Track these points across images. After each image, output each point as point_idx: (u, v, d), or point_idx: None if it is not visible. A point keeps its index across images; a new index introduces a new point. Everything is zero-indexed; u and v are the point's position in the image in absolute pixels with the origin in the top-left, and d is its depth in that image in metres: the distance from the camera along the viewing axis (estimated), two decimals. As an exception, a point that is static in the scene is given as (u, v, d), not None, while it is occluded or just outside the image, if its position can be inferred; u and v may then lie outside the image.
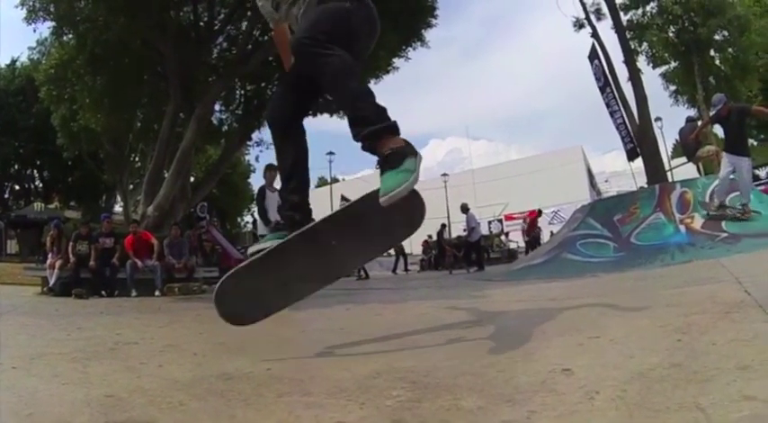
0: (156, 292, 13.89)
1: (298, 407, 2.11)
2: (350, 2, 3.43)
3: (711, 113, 12.64)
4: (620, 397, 1.88)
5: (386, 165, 2.95)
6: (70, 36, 21.73)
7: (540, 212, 32.67)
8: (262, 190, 11.50)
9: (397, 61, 21.63)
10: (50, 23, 21.20)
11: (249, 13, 22.06)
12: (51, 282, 13.90)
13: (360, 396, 2.20)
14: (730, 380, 1.92)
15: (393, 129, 3.04)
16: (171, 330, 5.81)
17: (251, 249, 3.50)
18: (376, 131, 3.01)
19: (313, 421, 1.92)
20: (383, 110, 3.08)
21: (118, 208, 44.34)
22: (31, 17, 20.17)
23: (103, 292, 13.66)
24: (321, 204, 50.77)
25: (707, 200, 12.19)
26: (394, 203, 2.88)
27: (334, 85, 3.27)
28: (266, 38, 22.18)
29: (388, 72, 22.32)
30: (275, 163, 12.08)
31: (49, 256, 14.82)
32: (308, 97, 3.83)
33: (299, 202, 3.57)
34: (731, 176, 11.58)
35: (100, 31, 19.46)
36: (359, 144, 3.13)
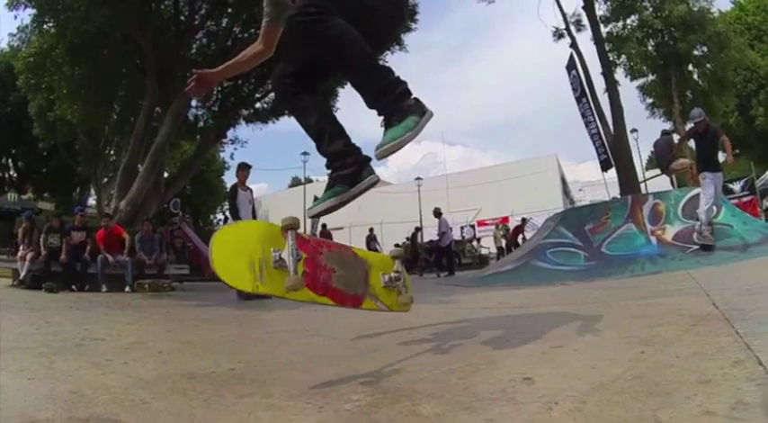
0: (127, 288, 13.74)
1: (257, 408, 2.13)
2: None
3: (690, 126, 12.70)
4: (578, 408, 1.89)
5: (387, 121, 2.87)
6: (51, 24, 21.58)
7: (524, 220, 32.72)
8: (234, 188, 11.51)
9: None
10: (32, 11, 21.10)
11: (230, 10, 22.06)
12: (22, 274, 13.79)
13: (319, 399, 2.23)
14: (691, 394, 1.93)
15: (405, 94, 2.89)
16: (138, 327, 5.82)
17: (311, 211, 3.15)
18: (390, 103, 2.87)
19: None
20: (390, 76, 2.92)
21: (92, 201, 43.85)
22: (13, 3, 20.06)
23: (74, 287, 13.56)
24: (294, 205, 50.55)
25: (680, 212, 12.31)
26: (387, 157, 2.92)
27: (333, 58, 3.06)
28: (246, 35, 22.16)
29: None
30: (248, 162, 12.00)
31: (21, 247, 14.69)
32: (315, 70, 3.34)
33: (344, 148, 3.09)
34: (696, 192, 11.75)
35: (80, 21, 19.30)
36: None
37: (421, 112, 2.85)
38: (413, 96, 2.92)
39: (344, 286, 3.02)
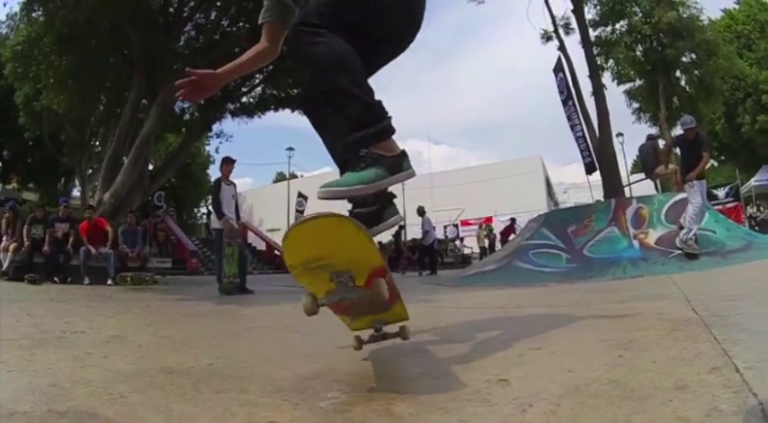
0: (109, 281, 13.76)
1: (233, 404, 2.13)
2: None
3: (679, 132, 12.71)
4: (552, 411, 1.87)
5: (352, 162, 2.54)
6: (39, 13, 21.54)
7: (513, 220, 32.71)
8: (217, 182, 11.56)
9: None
10: (21, -2, 21.13)
11: (219, 3, 22.04)
12: (5, 265, 13.76)
13: (295, 396, 2.23)
14: (666, 399, 1.90)
15: (378, 135, 2.57)
16: (119, 321, 5.79)
17: None
18: (362, 140, 2.54)
19: (246, 419, 1.95)
20: (373, 109, 2.58)
21: (76, 192, 43.66)
22: (3, -9, 20.09)
23: (56, 279, 13.54)
24: (278, 200, 50.25)
25: (663, 217, 12.36)
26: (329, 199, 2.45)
27: (320, 82, 2.66)
28: (234, 28, 22.16)
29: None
30: (233, 156, 12.01)
31: (4, 238, 14.63)
32: None
33: None
34: (680, 197, 11.82)
35: (69, 10, 19.26)
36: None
37: (393, 168, 2.58)
38: (399, 148, 2.65)
39: (351, 306, 2.85)
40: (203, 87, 3.25)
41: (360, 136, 2.54)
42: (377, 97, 2.64)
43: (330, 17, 2.56)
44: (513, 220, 32.66)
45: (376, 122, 2.57)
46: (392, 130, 2.64)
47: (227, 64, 3.38)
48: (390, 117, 2.64)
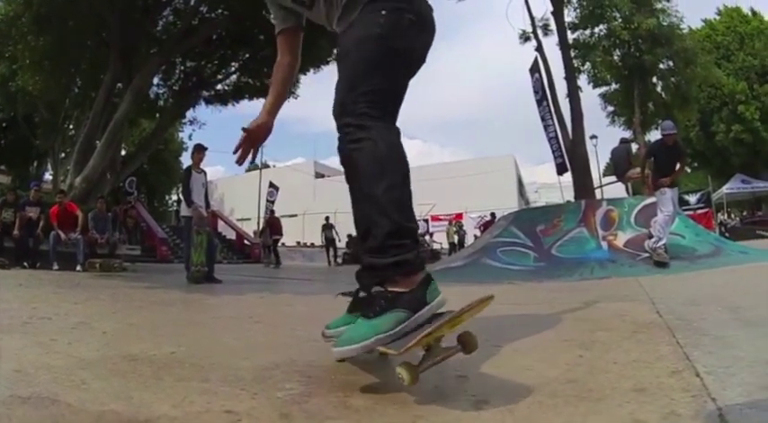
0: (78, 267, 13.70)
1: (193, 392, 2.15)
2: (384, 15, 2.44)
3: (657, 138, 12.73)
4: (508, 409, 1.89)
5: (361, 307, 2.31)
6: (18, -9, 21.33)
7: (493, 216, 32.71)
8: (188, 170, 11.53)
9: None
10: (0, -23, 20.88)
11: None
12: (-26, 250, 13.64)
13: (254, 386, 2.25)
14: (623, 401, 1.93)
15: (397, 269, 2.18)
16: (85, 307, 5.76)
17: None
18: (373, 267, 2.26)
19: (204, 407, 1.97)
20: (401, 235, 2.20)
21: (48, 176, 43.17)
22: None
23: (25, 263, 13.51)
24: (249, 190, 50.01)
25: (633, 220, 12.50)
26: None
27: (354, 181, 2.39)
28: (212, 15, 22.02)
29: (328, 63, 22.45)
30: (205, 144, 11.95)
31: (-26, 222, 14.51)
32: None
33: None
34: (650, 201, 11.93)
35: (48, -10, 19.10)
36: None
37: (415, 304, 2.18)
38: (422, 275, 2.23)
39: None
40: (256, 138, 3.07)
41: (376, 263, 2.25)
42: (412, 221, 2.29)
43: (378, 102, 2.36)
44: (493, 214, 32.73)
45: (399, 252, 2.19)
46: (418, 267, 2.25)
47: (265, 104, 3.16)
48: (421, 249, 2.32)
